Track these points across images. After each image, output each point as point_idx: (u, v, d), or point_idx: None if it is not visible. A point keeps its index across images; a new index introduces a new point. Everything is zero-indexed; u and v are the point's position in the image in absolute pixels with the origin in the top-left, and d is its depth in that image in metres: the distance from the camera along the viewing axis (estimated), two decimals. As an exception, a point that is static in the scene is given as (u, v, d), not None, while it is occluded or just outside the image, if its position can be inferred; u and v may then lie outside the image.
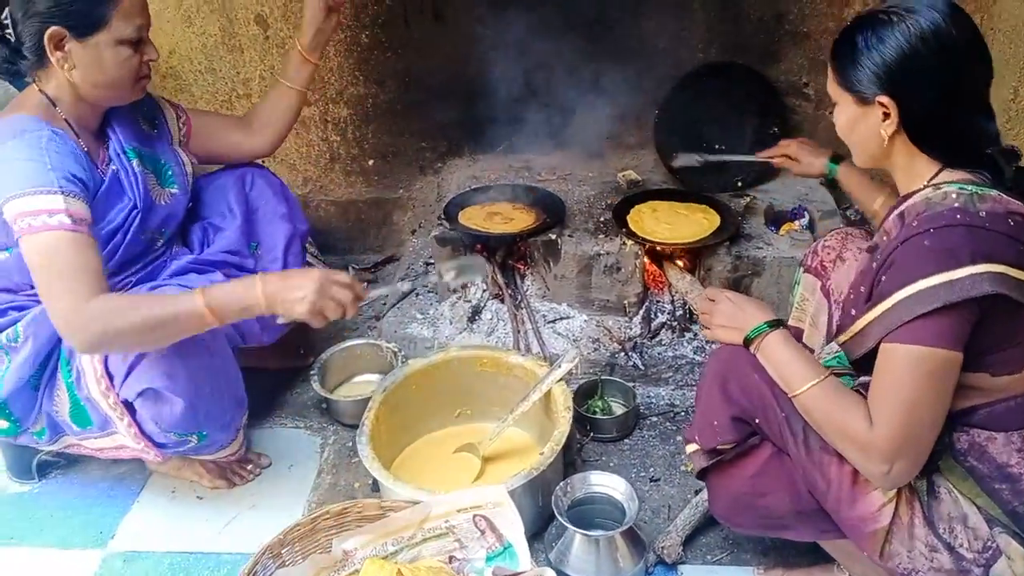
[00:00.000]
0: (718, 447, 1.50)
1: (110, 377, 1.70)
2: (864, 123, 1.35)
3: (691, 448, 1.57)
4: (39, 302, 1.74)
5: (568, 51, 2.62)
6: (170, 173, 1.93)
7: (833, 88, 1.39)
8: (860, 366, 1.40)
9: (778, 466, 1.47)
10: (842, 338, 1.40)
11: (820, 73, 2.71)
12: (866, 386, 1.33)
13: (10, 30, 1.62)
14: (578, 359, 1.98)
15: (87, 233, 1.60)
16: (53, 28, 1.59)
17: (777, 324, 1.44)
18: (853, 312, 1.36)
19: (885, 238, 1.35)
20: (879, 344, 1.28)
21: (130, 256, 1.86)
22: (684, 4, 2.64)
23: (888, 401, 1.25)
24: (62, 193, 1.58)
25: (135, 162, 1.82)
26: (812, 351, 1.71)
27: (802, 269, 1.78)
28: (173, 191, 1.93)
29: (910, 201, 1.33)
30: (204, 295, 1.57)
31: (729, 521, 1.60)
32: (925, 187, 1.32)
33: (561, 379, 1.95)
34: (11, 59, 1.66)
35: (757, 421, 1.47)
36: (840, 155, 1.87)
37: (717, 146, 2.69)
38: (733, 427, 1.48)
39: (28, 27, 1.60)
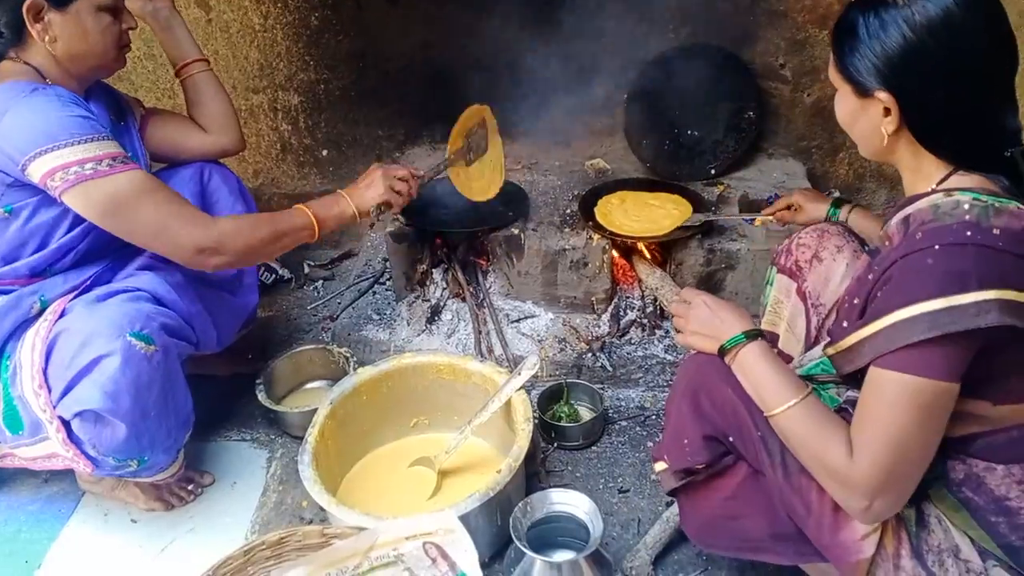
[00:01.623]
0: (689, 468, 1.38)
1: (48, 388, 1.59)
2: (865, 116, 1.21)
3: (660, 467, 1.46)
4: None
5: (532, 33, 2.46)
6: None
7: (832, 74, 1.24)
8: (849, 377, 1.28)
9: (754, 488, 1.36)
10: (830, 350, 1.27)
11: (798, 54, 2.58)
12: (854, 403, 1.21)
13: None
14: (538, 366, 1.85)
15: None
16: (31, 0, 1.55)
17: (756, 335, 1.32)
18: (845, 324, 1.22)
19: (887, 243, 1.21)
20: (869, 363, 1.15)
21: (99, 244, 1.74)
22: (654, -18, 2.49)
23: (872, 432, 1.13)
24: (115, 138, 1.59)
25: None
26: (790, 358, 1.59)
27: (775, 269, 1.64)
28: None
29: (916, 205, 1.18)
30: (309, 209, 1.80)
31: (702, 543, 1.49)
32: (934, 191, 1.18)
33: (521, 387, 1.82)
34: None
35: (731, 439, 1.35)
36: (843, 199, 1.75)
37: (690, 131, 2.56)
38: (705, 446, 1.37)
39: (5, 3, 1.56)
